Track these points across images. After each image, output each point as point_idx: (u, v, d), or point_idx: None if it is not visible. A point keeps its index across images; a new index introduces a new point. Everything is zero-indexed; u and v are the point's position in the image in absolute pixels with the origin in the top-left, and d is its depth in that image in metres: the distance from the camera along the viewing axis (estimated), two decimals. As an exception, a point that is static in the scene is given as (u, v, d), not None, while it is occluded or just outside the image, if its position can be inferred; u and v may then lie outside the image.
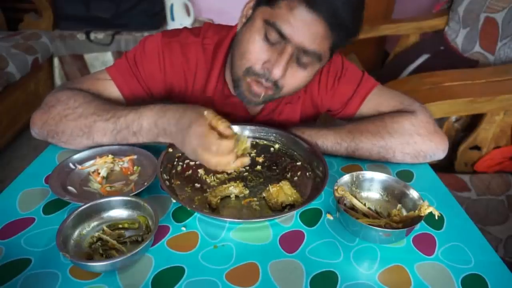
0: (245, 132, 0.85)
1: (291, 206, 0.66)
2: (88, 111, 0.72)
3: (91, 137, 0.72)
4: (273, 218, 0.64)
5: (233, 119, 0.84)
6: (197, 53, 0.84)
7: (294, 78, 0.71)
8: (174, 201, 0.67)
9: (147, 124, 0.69)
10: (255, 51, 0.69)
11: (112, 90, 0.82)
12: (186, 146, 0.63)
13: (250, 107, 0.88)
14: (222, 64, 0.83)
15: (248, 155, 0.63)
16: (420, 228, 0.65)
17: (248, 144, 0.63)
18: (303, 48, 0.66)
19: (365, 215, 0.65)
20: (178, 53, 0.83)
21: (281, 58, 0.67)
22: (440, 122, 1.48)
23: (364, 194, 0.69)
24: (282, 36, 0.66)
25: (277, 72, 0.68)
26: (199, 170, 0.74)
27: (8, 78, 1.95)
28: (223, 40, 0.83)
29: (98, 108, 0.73)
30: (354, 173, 0.68)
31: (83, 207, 0.58)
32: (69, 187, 0.67)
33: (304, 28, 0.64)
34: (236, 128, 0.84)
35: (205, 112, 0.61)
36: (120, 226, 0.60)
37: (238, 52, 0.72)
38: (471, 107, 1.33)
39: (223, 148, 0.58)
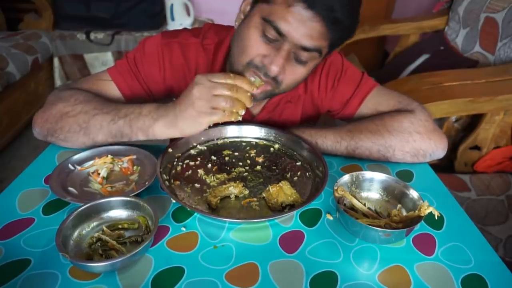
0: (245, 132, 0.85)
1: (291, 206, 0.66)
2: (88, 107, 0.73)
3: (87, 132, 0.73)
4: (273, 218, 0.64)
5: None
6: (197, 53, 0.84)
7: (294, 75, 0.72)
8: (174, 201, 0.66)
9: (147, 111, 0.70)
10: (255, 46, 0.69)
11: (112, 90, 0.82)
12: (184, 101, 0.65)
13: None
14: (222, 64, 0.83)
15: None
16: (420, 228, 0.65)
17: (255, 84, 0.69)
18: (300, 45, 0.66)
19: (365, 215, 0.65)
20: (178, 54, 0.83)
21: (279, 55, 0.67)
22: (440, 122, 1.48)
23: (364, 194, 0.69)
24: (279, 33, 0.66)
25: (274, 69, 0.68)
26: (198, 170, 0.74)
27: (8, 78, 1.95)
28: (223, 41, 0.83)
29: (99, 104, 0.74)
30: (354, 173, 0.68)
31: (82, 207, 0.58)
32: (70, 188, 0.67)
33: (301, 25, 0.64)
34: (235, 128, 0.85)
35: None
36: (120, 226, 0.60)
37: (238, 48, 0.73)
38: (471, 107, 1.34)
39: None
